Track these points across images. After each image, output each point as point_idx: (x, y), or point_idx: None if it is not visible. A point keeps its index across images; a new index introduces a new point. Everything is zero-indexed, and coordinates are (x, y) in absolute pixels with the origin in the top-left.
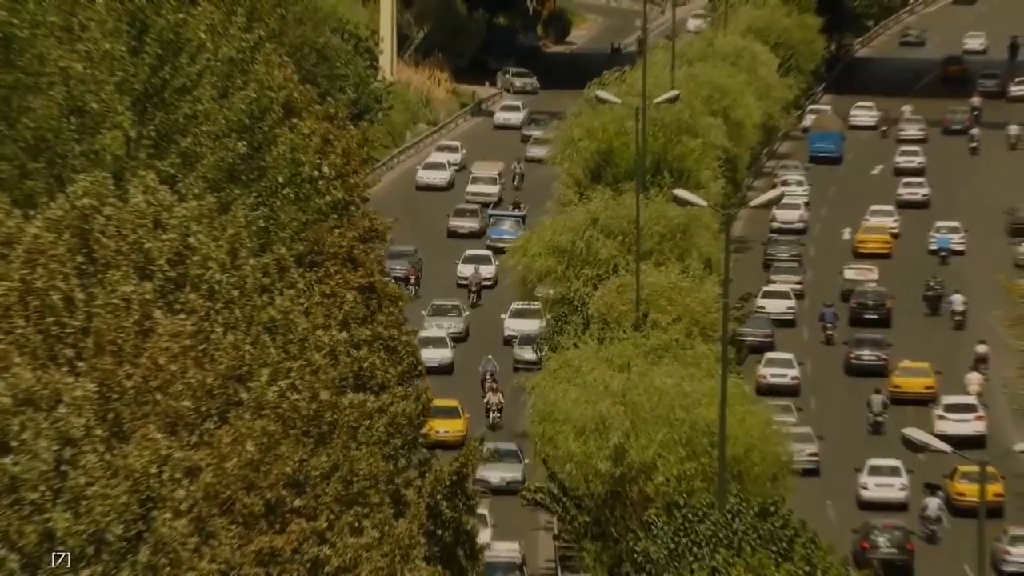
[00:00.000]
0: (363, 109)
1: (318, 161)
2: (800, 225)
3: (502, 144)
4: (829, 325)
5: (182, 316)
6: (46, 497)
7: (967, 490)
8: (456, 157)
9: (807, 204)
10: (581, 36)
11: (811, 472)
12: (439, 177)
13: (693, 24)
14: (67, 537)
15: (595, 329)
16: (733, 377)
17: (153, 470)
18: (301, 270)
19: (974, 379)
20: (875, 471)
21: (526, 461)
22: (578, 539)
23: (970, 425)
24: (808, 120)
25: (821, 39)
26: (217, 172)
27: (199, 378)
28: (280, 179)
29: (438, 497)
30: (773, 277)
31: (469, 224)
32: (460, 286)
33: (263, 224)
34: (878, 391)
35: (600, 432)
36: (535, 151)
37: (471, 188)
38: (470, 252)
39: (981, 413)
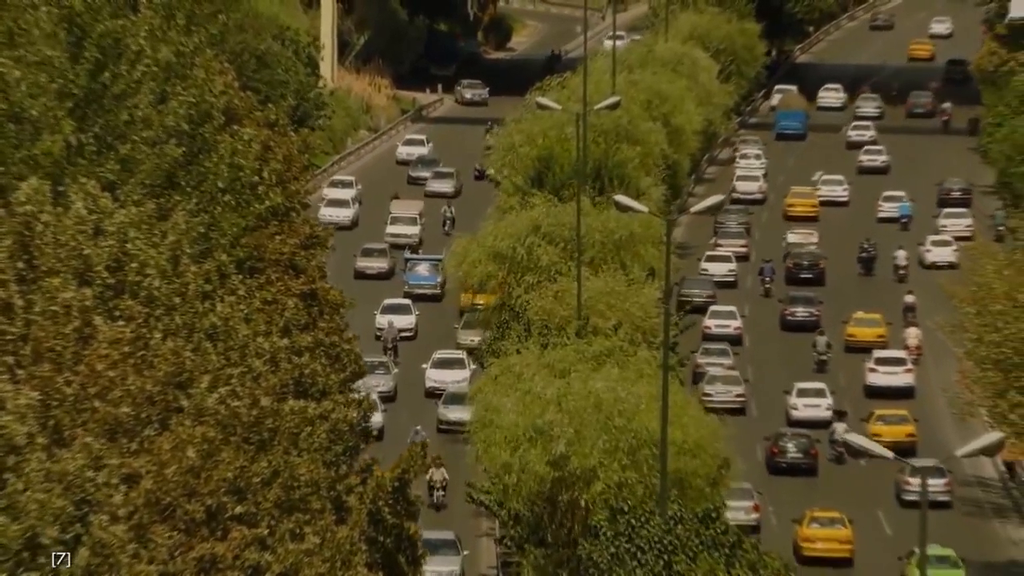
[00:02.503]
0: (304, 115)
1: (258, 166)
2: (759, 196)
3: (400, 179)
4: (767, 279)
5: (121, 323)
6: None
7: (882, 431)
8: (352, 193)
9: (765, 176)
10: (522, 42)
11: (738, 411)
12: (342, 215)
13: (608, 44)
14: (3, 539)
15: (537, 335)
16: (674, 384)
17: (89, 474)
18: (242, 276)
19: (912, 333)
20: (802, 393)
21: (465, 552)
22: (519, 545)
23: (899, 377)
24: (775, 99)
25: (761, 45)
26: (156, 178)
27: (138, 384)
28: (220, 184)
29: (380, 503)
30: (720, 242)
31: (378, 265)
32: (379, 338)
33: (203, 230)
34: (822, 333)
35: (541, 440)
36: (437, 185)
37: (391, 229)
38: (388, 301)
39: (910, 366)
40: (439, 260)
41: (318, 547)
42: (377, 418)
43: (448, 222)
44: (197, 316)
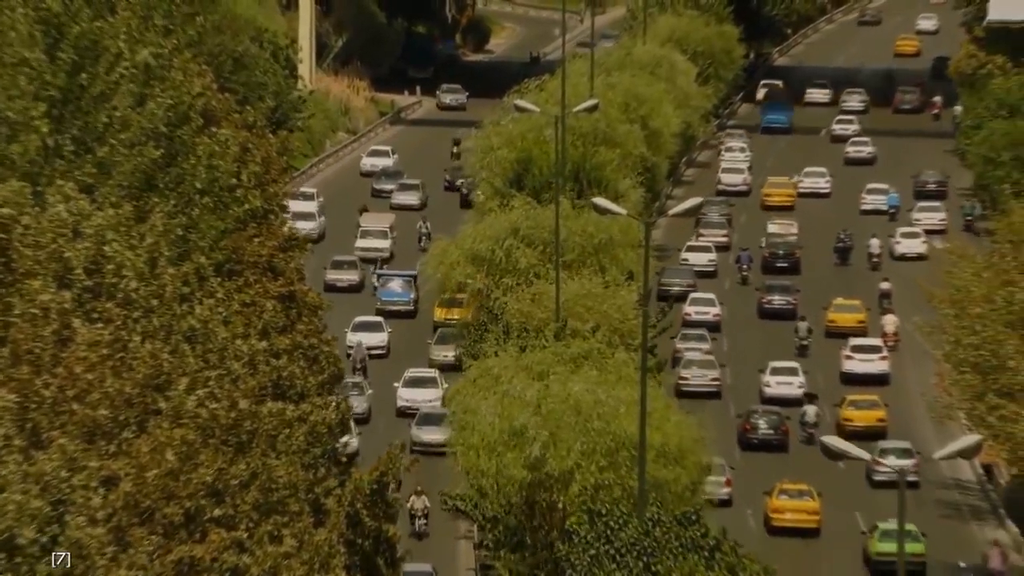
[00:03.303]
0: (282, 118)
1: (236, 168)
2: (744, 188)
3: (364, 191)
4: (744, 266)
5: (100, 325)
6: None
7: (854, 416)
8: (313, 206)
9: (750, 168)
10: (500, 44)
11: (713, 395)
12: (308, 228)
13: (581, 50)
14: None
15: (515, 337)
16: (653, 386)
17: (64, 474)
18: (220, 279)
19: (889, 320)
20: (776, 371)
21: None
22: (497, 548)
23: (875, 364)
24: (761, 94)
25: (740, 48)
26: (134, 180)
27: (117, 387)
28: (198, 186)
29: (358, 506)
30: (702, 231)
31: (348, 277)
32: (349, 357)
33: (182, 233)
34: (803, 318)
35: (518, 443)
36: (403, 198)
37: (360, 243)
38: (360, 319)
39: (885, 354)
40: (413, 276)
41: (296, 550)
42: (352, 442)
43: (424, 237)
44: (175, 318)
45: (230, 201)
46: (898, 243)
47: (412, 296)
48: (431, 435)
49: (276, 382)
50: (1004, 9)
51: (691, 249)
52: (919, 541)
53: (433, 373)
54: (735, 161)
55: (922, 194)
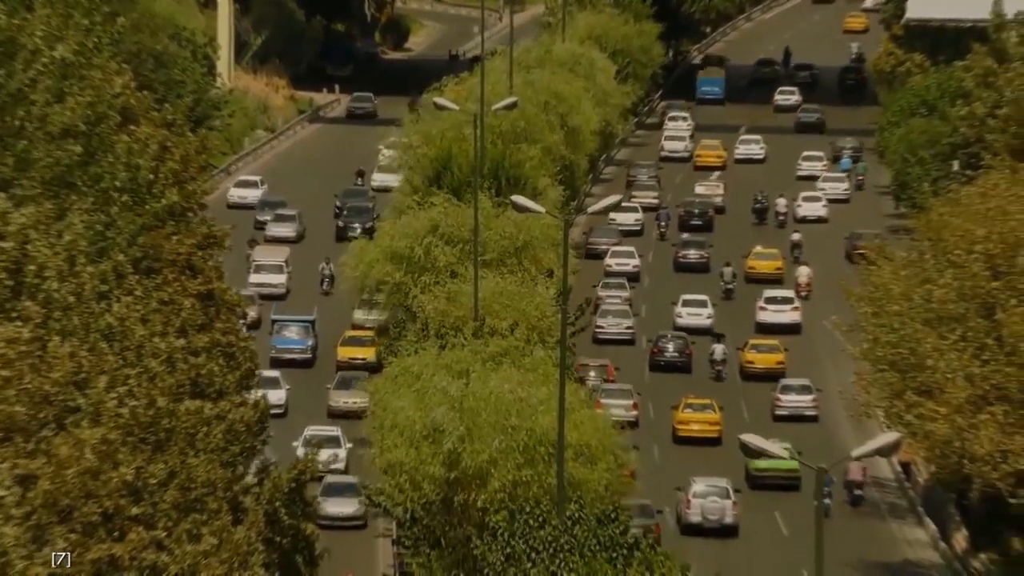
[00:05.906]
0: (202, 116)
1: (154, 164)
2: (685, 154)
3: (235, 224)
4: (662, 224)
5: (18, 323)
6: None
7: (755, 358)
8: None
9: (691, 136)
10: (419, 43)
11: (627, 343)
12: None
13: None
14: None
15: (434, 336)
16: (571, 383)
17: None
18: (139, 277)
19: (803, 273)
20: (687, 303)
21: None
22: (416, 546)
23: (787, 315)
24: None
25: (659, 46)
26: (52, 176)
27: (35, 384)
28: (117, 184)
29: (277, 504)
30: (634, 193)
31: (250, 312)
32: None
33: (101, 228)
34: (728, 264)
35: (434, 438)
36: (277, 229)
37: (254, 278)
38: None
39: (797, 304)
40: (311, 322)
41: (215, 548)
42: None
43: (326, 280)
44: (93, 316)
45: (148, 197)
46: (799, 206)
47: (310, 343)
48: (339, 507)
49: (194, 380)
50: (922, 8)
51: (619, 210)
52: (794, 459)
53: (336, 432)
54: (678, 130)
55: (839, 159)
